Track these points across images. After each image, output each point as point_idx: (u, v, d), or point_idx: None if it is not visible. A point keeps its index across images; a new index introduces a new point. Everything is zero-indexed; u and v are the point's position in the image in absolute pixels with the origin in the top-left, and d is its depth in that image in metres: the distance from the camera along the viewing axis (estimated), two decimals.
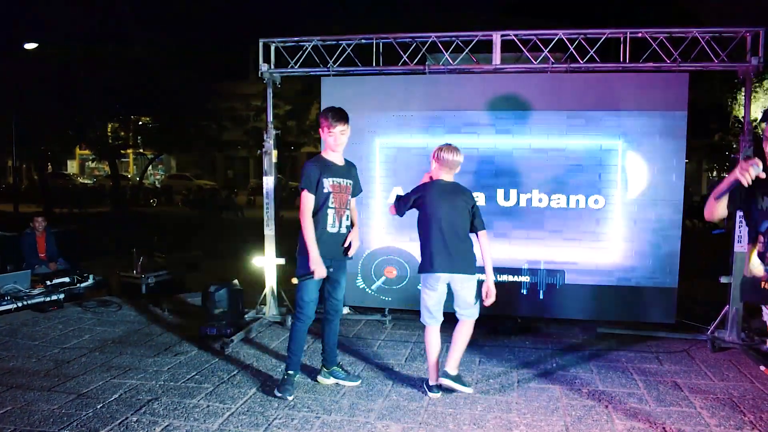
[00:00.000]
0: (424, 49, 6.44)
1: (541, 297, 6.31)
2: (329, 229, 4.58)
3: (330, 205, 4.55)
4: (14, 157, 20.81)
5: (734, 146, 5.97)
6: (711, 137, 22.44)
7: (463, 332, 4.66)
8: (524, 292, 6.34)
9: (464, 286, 4.60)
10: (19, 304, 6.90)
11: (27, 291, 7.22)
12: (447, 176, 4.65)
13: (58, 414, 4.27)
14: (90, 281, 8.04)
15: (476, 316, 4.70)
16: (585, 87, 6.19)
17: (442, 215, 4.54)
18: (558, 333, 6.35)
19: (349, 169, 4.73)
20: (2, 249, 9.04)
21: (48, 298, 7.17)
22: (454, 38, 6.43)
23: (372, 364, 5.38)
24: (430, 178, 4.72)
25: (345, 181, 4.64)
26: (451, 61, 6.42)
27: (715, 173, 29.47)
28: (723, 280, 5.96)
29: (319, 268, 4.44)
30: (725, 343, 5.83)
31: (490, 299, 4.62)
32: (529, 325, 6.52)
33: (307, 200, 4.49)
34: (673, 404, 4.47)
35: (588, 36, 6.14)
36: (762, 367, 5.20)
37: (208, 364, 5.37)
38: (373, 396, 4.64)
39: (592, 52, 6.08)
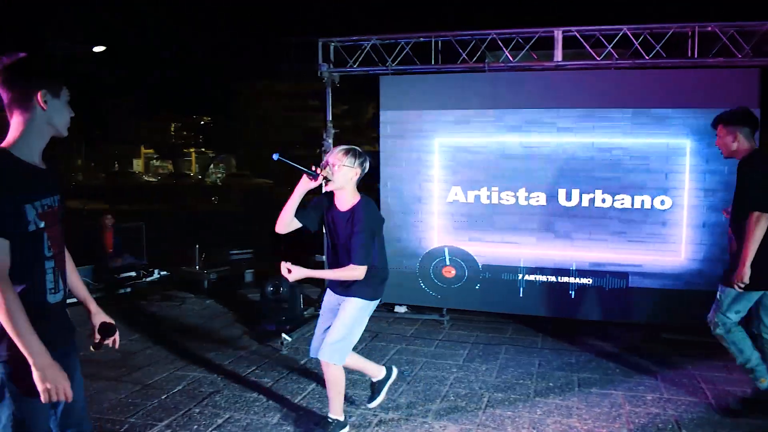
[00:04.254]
0: (483, 47, 6.38)
1: (604, 300, 6.16)
2: (50, 297, 2.35)
3: (47, 253, 2.32)
4: (84, 155, 21.61)
5: None
6: None
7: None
8: (586, 295, 6.20)
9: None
10: None
11: (95, 284, 7.48)
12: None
13: (125, 403, 4.41)
14: (155, 276, 8.27)
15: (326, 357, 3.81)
16: (650, 84, 6.00)
17: None
18: (621, 337, 6.17)
19: (53, 175, 2.44)
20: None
21: (116, 292, 7.42)
22: (514, 35, 6.34)
23: (430, 364, 5.35)
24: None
25: (54, 200, 2.38)
26: (511, 59, 6.33)
27: None
28: None
29: (57, 379, 2.18)
30: None
31: None
32: (590, 328, 6.37)
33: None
34: (742, 415, 4.28)
35: (654, 31, 5.96)
36: None
37: (267, 359, 5.44)
38: (431, 396, 4.61)
39: (658, 48, 5.90)
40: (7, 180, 2.17)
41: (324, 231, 3.95)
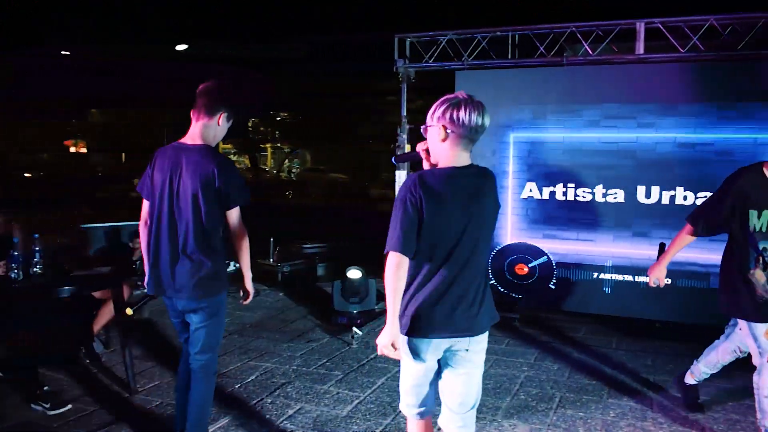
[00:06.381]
0: (562, 40, 6.24)
1: (684, 301, 5.93)
2: None
3: None
4: None
5: None
6: None
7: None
8: (665, 295, 5.98)
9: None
10: None
11: None
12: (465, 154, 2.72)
13: None
14: (231, 268, 8.48)
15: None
16: (739, 76, 5.72)
17: (469, 229, 2.63)
18: (700, 340, 5.92)
19: None
20: None
21: None
22: (594, 28, 6.17)
23: (500, 361, 5.30)
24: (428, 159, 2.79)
25: None
26: (591, 52, 6.17)
27: None
28: None
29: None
30: None
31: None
32: (668, 330, 6.15)
33: None
34: None
35: (745, 21, 5.68)
36: None
37: (338, 352, 5.52)
38: (501, 394, 4.57)
39: (747, 39, 5.62)
40: None
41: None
